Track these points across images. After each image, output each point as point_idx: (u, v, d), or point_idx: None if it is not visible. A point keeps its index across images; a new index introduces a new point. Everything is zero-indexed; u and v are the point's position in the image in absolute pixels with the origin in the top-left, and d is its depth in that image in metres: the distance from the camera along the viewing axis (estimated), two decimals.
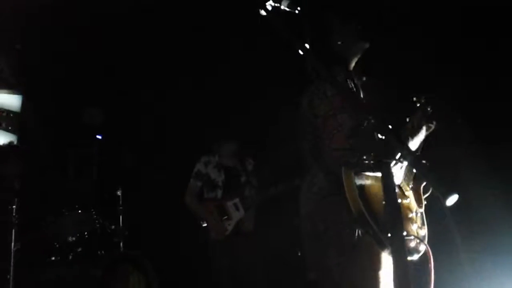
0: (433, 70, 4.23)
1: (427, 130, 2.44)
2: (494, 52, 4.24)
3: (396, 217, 1.33)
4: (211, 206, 4.40)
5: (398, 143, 1.34)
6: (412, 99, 2.52)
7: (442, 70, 4.25)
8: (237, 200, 4.43)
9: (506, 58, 4.18)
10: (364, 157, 1.99)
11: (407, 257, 1.40)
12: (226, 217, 4.38)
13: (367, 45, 2.51)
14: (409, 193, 2.36)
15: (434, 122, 2.49)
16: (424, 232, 2.33)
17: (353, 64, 2.54)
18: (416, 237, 2.18)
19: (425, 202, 2.39)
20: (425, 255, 2.15)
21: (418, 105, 2.51)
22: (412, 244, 2.18)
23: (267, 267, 4.51)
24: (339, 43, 2.46)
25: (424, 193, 2.41)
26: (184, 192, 4.50)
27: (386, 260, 2.11)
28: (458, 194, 1.31)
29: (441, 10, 4.34)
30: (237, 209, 4.42)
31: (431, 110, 2.46)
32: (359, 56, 2.53)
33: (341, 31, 2.49)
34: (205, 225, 4.38)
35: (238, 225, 4.38)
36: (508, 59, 4.16)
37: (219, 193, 4.45)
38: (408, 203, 2.32)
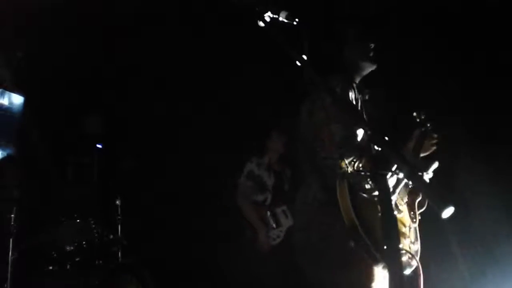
0: (432, 82, 4.24)
1: (427, 145, 2.46)
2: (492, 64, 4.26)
3: (392, 230, 1.32)
4: (263, 212, 4.31)
5: (394, 155, 1.34)
6: (413, 114, 2.54)
7: (441, 81, 4.26)
8: (285, 207, 4.36)
9: (505, 69, 4.19)
10: (360, 169, 1.98)
11: (402, 270, 1.39)
12: (277, 224, 4.30)
13: (374, 67, 2.53)
14: (403, 207, 2.34)
15: (436, 137, 2.51)
16: (416, 247, 2.31)
17: (357, 78, 2.55)
18: (408, 251, 2.17)
19: (419, 217, 2.38)
20: (415, 270, 2.13)
21: (418, 120, 2.53)
22: (404, 259, 2.17)
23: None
24: (349, 56, 2.50)
25: (418, 208, 2.40)
26: (187, 199, 4.45)
27: (380, 274, 2.09)
28: (454, 206, 1.31)
29: (439, 19, 4.37)
30: (286, 216, 4.34)
31: (431, 127, 2.48)
32: (364, 73, 2.55)
33: (354, 46, 2.51)
34: (252, 230, 4.25)
35: (287, 233, 4.27)
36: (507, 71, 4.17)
37: (269, 196, 4.38)
38: (401, 217, 2.30)
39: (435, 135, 2.54)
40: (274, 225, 4.30)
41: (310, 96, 2.40)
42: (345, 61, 2.53)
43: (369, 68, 2.55)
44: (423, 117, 2.55)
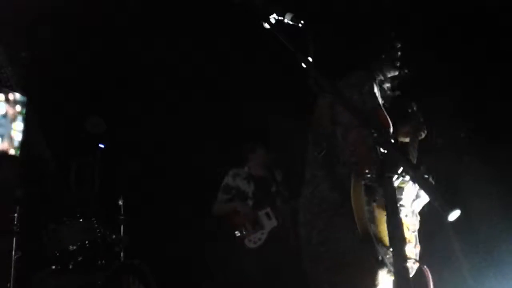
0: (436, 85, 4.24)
1: (418, 137, 2.42)
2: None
3: (398, 233, 1.32)
4: (243, 216, 4.45)
5: (401, 158, 1.34)
6: (404, 105, 2.49)
7: (445, 83, 4.25)
8: (268, 209, 4.47)
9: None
10: (367, 171, 1.95)
11: (409, 275, 1.37)
12: (258, 226, 4.43)
13: (396, 73, 2.45)
14: (407, 210, 2.30)
15: (425, 131, 2.48)
16: (417, 250, 2.28)
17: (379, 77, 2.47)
18: (414, 259, 2.14)
19: (419, 218, 2.34)
20: (421, 274, 2.09)
21: (409, 111, 2.49)
22: (408, 264, 2.11)
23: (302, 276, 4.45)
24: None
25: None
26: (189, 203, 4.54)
27: (382, 279, 2.04)
28: (460, 209, 1.31)
29: (440, 10, 4.37)
30: (269, 218, 4.46)
31: (422, 119, 2.44)
32: (387, 75, 2.47)
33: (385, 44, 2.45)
34: (238, 234, 4.43)
35: (271, 234, 4.41)
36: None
37: (250, 203, 4.51)
38: (405, 221, 2.25)
39: (424, 130, 2.49)
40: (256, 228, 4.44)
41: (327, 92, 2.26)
42: (367, 56, 2.43)
43: (392, 72, 2.46)
44: (414, 108, 2.51)
